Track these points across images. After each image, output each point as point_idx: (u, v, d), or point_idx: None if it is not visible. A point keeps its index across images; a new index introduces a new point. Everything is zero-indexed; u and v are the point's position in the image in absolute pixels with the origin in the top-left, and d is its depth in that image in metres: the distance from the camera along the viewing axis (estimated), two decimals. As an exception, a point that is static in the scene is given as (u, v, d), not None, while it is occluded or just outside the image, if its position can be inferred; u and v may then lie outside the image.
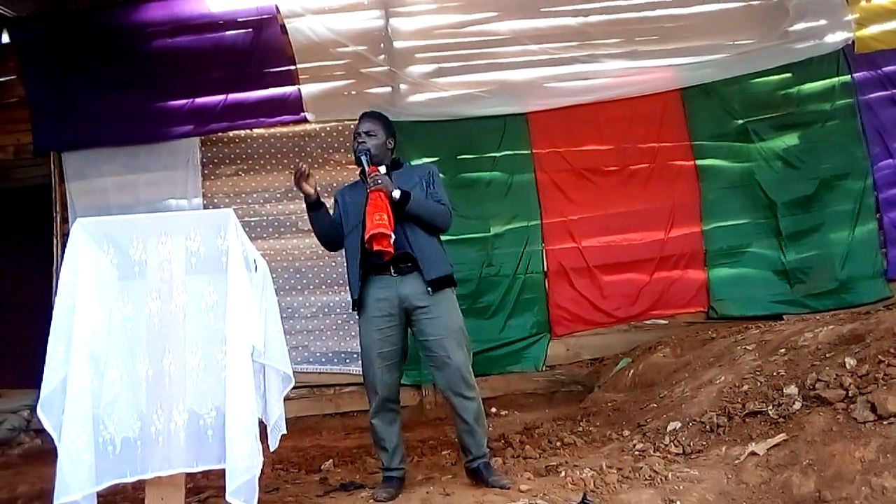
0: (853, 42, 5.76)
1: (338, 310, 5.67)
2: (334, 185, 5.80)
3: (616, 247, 5.71)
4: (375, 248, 2.95)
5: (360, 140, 3.26)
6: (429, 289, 3.10)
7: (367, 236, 2.96)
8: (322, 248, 3.45)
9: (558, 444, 3.77)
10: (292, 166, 5.77)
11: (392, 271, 3.12)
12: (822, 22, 5.82)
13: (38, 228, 5.88)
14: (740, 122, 5.79)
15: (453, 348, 3.09)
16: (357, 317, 3.26)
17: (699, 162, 5.77)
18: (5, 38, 6.23)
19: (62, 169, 5.84)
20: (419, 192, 3.19)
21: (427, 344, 3.12)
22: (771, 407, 3.19)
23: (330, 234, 3.32)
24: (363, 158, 3.18)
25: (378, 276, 3.13)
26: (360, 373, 5.42)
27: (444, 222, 3.25)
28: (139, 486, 2.56)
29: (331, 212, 3.36)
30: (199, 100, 5.83)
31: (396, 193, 3.09)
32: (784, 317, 5.26)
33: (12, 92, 6.23)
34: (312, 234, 5.52)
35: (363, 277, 3.15)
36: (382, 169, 3.20)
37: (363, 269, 3.15)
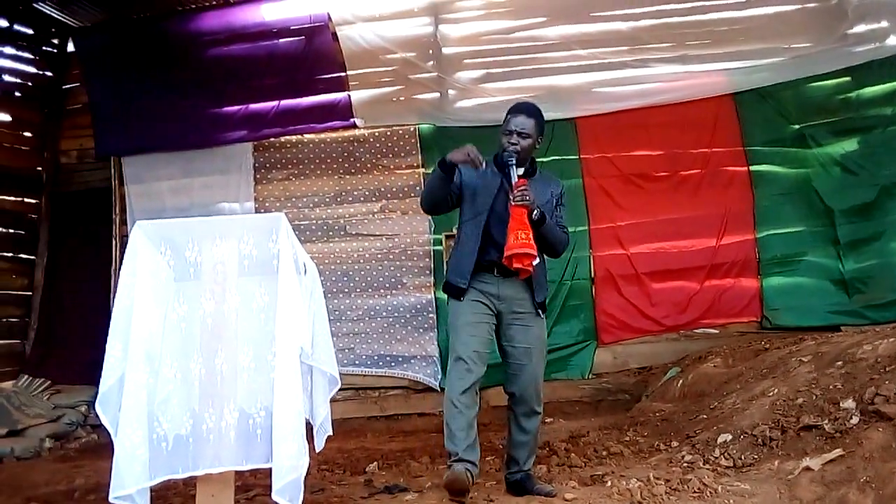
0: (917, 45, 5.56)
1: (384, 313, 5.73)
2: (381, 189, 5.88)
3: (665, 254, 5.63)
4: (515, 265, 2.89)
5: (511, 141, 3.01)
6: (539, 311, 3.06)
7: (508, 253, 2.86)
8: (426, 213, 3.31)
9: (604, 453, 3.72)
10: (341, 171, 5.93)
11: (496, 271, 3.02)
12: (884, 24, 5.63)
13: (99, 230, 6.10)
14: (796, 127, 5.65)
15: (538, 360, 3.05)
16: (447, 303, 3.14)
17: (753, 168, 5.66)
18: (70, 47, 6.51)
19: (122, 172, 6.06)
20: (549, 209, 3.05)
21: (513, 350, 3.04)
22: (827, 421, 3.09)
23: (443, 201, 3.09)
24: (512, 166, 2.96)
25: (480, 273, 3.03)
26: (403, 375, 5.63)
27: (562, 251, 3.18)
28: (190, 482, 2.62)
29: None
30: (252, 106, 5.99)
31: (536, 213, 2.93)
32: (842, 328, 5.09)
33: (76, 99, 6.52)
34: (360, 238, 5.83)
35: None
36: (520, 171, 2.99)
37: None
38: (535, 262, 2.91)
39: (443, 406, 3.01)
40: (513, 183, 2.93)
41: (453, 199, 3.10)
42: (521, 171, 3.00)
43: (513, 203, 2.89)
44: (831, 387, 3.35)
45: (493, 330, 3.07)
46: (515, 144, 3.00)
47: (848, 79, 5.65)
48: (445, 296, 3.22)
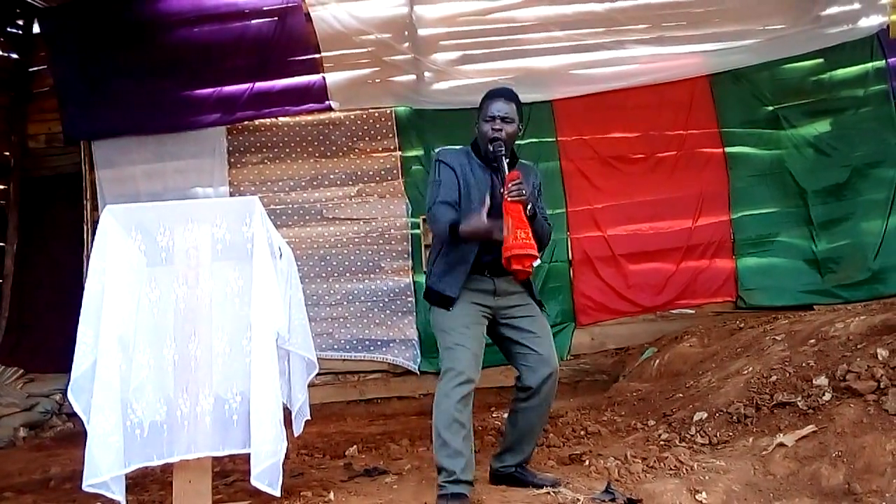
0: (888, 26, 5.59)
1: (362, 297, 5.70)
2: (358, 173, 5.83)
3: (642, 235, 5.66)
4: (514, 267, 2.61)
5: (495, 127, 2.77)
6: (544, 309, 2.90)
7: (508, 254, 2.58)
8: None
9: (582, 433, 3.75)
10: (317, 154, 5.86)
11: (487, 272, 2.79)
12: (856, 6, 5.69)
13: (70, 215, 5.98)
14: (770, 108, 5.69)
15: (554, 353, 2.81)
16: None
17: (728, 149, 5.69)
18: (36, 29, 6.34)
19: (92, 157, 5.93)
20: (533, 200, 2.80)
21: (525, 340, 2.78)
22: (800, 398, 3.14)
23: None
24: (502, 157, 2.72)
25: (470, 277, 2.78)
26: (383, 359, 5.61)
27: (547, 245, 2.98)
28: (168, 468, 2.60)
29: (439, 177, 2.84)
30: (225, 89, 5.88)
31: (530, 209, 2.68)
32: (814, 307, 5.17)
33: (44, 81, 6.35)
34: (336, 222, 5.79)
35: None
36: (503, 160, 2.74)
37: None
38: (535, 264, 2.65)
39: (433, 416, 2.68)
40: (505, 176, 2.66)
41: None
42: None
43: (508, 199, 2.61)
44: (804, 364, 3.41)
45: (484, 334, 2.82)
46: (500, 130, 2.77)
47: (821, 60, 5.70)
48: (423, 281, 3.02)
